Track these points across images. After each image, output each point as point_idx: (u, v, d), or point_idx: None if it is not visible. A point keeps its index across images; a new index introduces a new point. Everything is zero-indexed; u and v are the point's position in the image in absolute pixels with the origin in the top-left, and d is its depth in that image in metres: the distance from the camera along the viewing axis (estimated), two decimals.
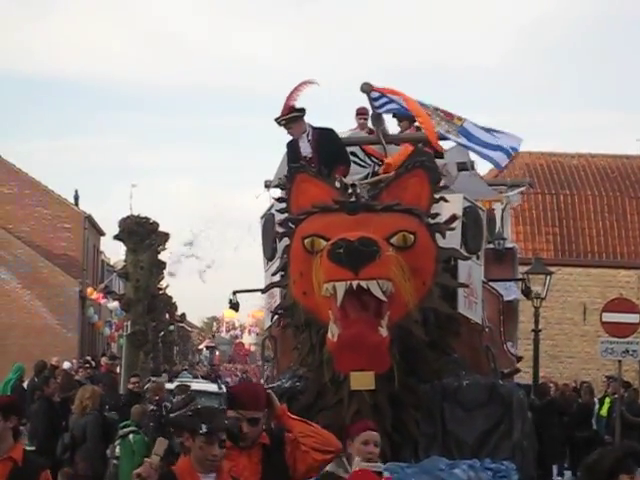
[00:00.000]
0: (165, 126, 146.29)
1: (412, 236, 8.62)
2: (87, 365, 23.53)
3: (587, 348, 30.63)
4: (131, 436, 12.53)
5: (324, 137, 10.70)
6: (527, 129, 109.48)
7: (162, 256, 40.79)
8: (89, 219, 44.79)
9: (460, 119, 10.44)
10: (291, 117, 10.62)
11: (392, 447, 8.51)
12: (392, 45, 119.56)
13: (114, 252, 51.02)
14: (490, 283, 12.19)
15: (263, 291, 10.04)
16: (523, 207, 31.76)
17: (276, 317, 9.98)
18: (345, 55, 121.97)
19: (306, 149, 10.67)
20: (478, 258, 10.27)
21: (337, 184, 9.23)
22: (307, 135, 10.72)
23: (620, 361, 18.05)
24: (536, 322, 22.26)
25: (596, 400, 21.63)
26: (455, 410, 9.15)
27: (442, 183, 10.70)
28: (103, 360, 30.35)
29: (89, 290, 40.36)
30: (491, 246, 13.31)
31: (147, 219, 40.57)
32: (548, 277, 22.40)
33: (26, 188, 43.25)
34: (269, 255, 10.46)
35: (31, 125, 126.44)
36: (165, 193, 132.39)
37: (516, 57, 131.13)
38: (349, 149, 12.20)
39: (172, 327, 43.22)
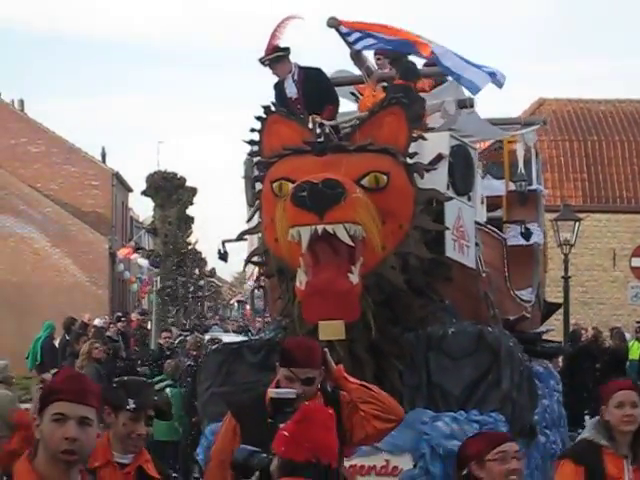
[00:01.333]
0: (191, 84, 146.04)
1: (385, 177, 8.12)
2: (121, 321, 23.50)
3: (617, 294, 30.36)
4: (168, 390, 12.46)
5: (310, 77, 10.22)
6: (553, 76, 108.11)
7: (190, 211, 40.68)
8: (117, 176, 44.51)
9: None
10: (274, 57, 10.17)
11: None
12: None
13: (142, 209, 51.03)
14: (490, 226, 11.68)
15: (237, 239, 9.60)
16: (551, 154, 31.29)
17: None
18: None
19: (292, 90, 10.22)
20: (470, 199, 9.74)
21: (310, 125, 8.76)
22: (293, 75, 10.27)
23: None
24: (566, 269, 22.08)
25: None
26: (441, 360, 8.64)
27: (442, 122, 10.17)
28: (134, 316, 30.38)
29: (121, 250, 40.28)
30: (513, 188, 12.82)
31: (174, 174, 40.50)
32: (577, 223, 22.26)
33: (53, 146, 43.01)
34: (250, 201, 10.02)
35: (58, 83, 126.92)
36: (192, 149, 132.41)
37: (537, 3, 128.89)
38: (349, 89, 11.73)
39: (202, 282, 43.11)
